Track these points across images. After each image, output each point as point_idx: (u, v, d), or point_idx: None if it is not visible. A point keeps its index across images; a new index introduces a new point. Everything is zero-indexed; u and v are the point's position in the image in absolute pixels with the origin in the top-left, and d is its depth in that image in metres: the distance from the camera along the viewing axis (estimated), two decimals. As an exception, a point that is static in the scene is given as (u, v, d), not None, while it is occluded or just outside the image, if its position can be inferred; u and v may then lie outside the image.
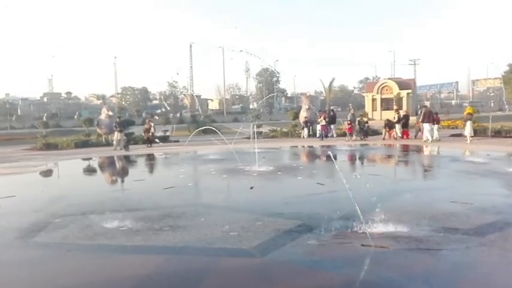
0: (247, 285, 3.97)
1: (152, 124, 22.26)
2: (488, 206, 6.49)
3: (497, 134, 20.53)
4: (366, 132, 22.00)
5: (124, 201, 8.16)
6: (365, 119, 22.77)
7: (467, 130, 18.54)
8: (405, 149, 17.39)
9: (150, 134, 21.50)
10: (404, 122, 21.31)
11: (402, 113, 22.75)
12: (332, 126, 23.54)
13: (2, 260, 4.91)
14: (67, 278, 4.23)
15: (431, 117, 19.43)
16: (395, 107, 27.44)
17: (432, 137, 19.12)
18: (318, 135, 23.52)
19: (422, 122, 19.54)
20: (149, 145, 20.86)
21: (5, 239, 5.55)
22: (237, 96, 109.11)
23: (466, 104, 54.29)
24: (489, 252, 4.52)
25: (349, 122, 21.91)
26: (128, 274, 4.26)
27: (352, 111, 23.69)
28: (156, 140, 21.71)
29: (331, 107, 31.31)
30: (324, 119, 23.04)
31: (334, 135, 23.53)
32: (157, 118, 53.19)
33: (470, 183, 9.14)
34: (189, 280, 4.06)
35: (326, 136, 22.48)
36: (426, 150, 16.76)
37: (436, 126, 19.78)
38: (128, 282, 4.04)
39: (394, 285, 3.86)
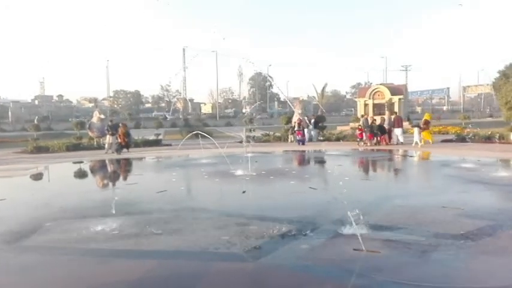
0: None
1: (127, 129, 21.42)
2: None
3: (488, 139, 20.80)
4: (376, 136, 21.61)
5: (116, 205, 8.09)
6: (376, 124, 22.28)
7: (416, 136, 20.15)
8: (407, 153, 17.54)
9: (123, 139, 20.18)
10: (371, 128, 21.96)
11: (370, 119, 23.31)
12: (306, 130, 23.86)
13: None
14: (57, 283, 4.20)
15: (401, 122, 21.62)
16: (365, 113, 28.19)
17: (401, 140, 20.93)
18: (292, 140, 23.66)
19: (393, 127, 21.40)
20: (126, 150, 20.16)
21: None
22: (230, 100, 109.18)
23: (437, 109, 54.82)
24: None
25: (359, 127, 21.59)
26: (119, 279, 4.24)
27: (365, 116, 23.41)
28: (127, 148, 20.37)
29: (307, 114, 30.53)
30: (299, 124, 23.23)
31: (313, 140, 23.82)
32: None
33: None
34: (182, 284, 4.06)
35: (302, 141, 22.47)
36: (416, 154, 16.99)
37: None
38: (120, 286, 4.02)
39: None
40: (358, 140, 21.49)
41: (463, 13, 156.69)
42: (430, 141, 20.19)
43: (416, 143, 19.81)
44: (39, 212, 7.34)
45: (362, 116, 24.40)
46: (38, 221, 6.56)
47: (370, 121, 22.02)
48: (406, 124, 25.11)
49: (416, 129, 20.36)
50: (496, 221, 5.99)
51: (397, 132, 21.23)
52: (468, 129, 24.12)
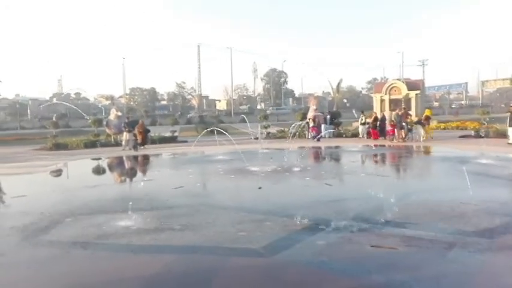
0: (256, 285, 3.99)
1: (145, 126, 21.56)
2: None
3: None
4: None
5: (133, 200, 8.20)
6: (409, 120, 21.82)
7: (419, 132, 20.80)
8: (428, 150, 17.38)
9: (142, 136, 20.38)
10: (375, 124, 22.17)
11: (373, 115, 23.50)
12: (324, 127, 24.14)
13: (10, 259, 4.97)
14: (77, 277, 4.27)
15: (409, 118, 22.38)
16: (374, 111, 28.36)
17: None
18: (309, 136, 23.81)
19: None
20: (142, 147, 20.29)
21: (15, 238, 5.63)
22: (244, 97, 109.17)
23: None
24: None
25: (392, 123, 21.03)
26: (138, 273, 4.29)
27: (397, 111, 22.38)
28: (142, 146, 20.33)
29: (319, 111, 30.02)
30: (313, 120, 23.20)
31: (326, 136, 23.84)
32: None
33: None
34: (198, 279, 4.10)
35: (317, 137, 22.45)
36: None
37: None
38: (137, 281, 4.08)
39: (404, 286, 3.86)
40: (390, 135, 21.03)
41: (482, 6, 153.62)
42: (425, 136, 20.76)
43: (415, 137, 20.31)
44: (59, 208, 7.47)
45: (393, 110, 23.82)
46: (58, 217, 6.69)
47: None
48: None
49: (419, 126, 20.79)
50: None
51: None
52: (485, 125, 23.75)
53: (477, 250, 4.62)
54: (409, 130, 20.95)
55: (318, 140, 22.20)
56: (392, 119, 21.24)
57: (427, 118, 21.49)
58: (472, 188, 7.36)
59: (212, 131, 20.33)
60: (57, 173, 13.79)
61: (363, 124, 23.78)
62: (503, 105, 77.37)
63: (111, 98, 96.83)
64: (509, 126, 17.81)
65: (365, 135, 23.20)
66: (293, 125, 22.37)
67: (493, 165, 11.51)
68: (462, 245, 4.73)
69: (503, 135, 20.25)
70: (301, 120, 29.60)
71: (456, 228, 5.39)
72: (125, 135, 20.28)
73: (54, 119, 39.64)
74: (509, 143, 17.20)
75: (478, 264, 4.32)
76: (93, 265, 4.62)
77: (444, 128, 29.31)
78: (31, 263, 4.77)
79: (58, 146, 21.61)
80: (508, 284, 3.94)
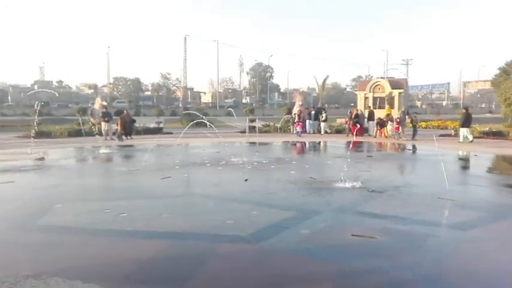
0: (243, 269, 4.20)
1: (130, 116, 21.73)
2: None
3: (486, 135, 21.31)
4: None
5: (121, 189, 8.36)
6: (417, 118, 22.29)
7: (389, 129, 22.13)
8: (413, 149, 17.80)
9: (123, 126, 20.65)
10: (356, 120, 22.74)
11: (355, 112, 24.36)
12: (308, 122, 25.00)
13: (6, 242, 5.07)
14: (69, 261, 4.38)
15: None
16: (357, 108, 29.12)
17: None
18: (293, 131, 24.38)
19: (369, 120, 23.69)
20: (125, 137, 20.43)
21: (8, 223, 5.73)
22: (230, 90, 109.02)
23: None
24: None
25: (398, 120, 21.18)
26: (130, 258, 4.44)
27: (403, 109, 23.27)
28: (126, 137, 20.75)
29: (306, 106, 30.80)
30: (299, 116, 23.65)
31: (310, 132, 24.79)
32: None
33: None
34: (188, 264, 4.28)
35: (300, 133, 23.01)
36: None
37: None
38: (130, 265, 4.23)
39: (382, 272, 4.12)
40: (395, 133, 21.22)
41: (465, 9, 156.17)
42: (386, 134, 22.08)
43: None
44: (48, 194, 7.57)
45: (402, 109, 24.16)
46: (48, 203, 6.80)
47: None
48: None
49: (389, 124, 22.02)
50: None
51: (372, 124, 23.30)
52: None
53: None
54: (415, 128, 21.53)
55: (300, 135, 22.56)
56: (398, 116, 21.75)
57: (388, 116, 22.64)
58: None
59: (197, 123, 20.45)
60: (43, 160, 13.73)
61: (324, 121, 24.94)
62: (483, 105, 79.40)
63: (95, 86, 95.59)
64: (461, 127, 19.63)
65: (323, 131, 24.58)
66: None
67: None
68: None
69: (486, 134, 21.40)
70: (286, 115, 29.94)
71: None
72: (103, 125, 20.34)
73: (36, 106, 39.03)
74: (460, 142, 18.89)
75: (450, 254, 4.62)
76: (85, 250, 4.74)
77: (425, 127, 30.03)
78: (23, 247, 4.88)
79: (41, 134, 21.43)
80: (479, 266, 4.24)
